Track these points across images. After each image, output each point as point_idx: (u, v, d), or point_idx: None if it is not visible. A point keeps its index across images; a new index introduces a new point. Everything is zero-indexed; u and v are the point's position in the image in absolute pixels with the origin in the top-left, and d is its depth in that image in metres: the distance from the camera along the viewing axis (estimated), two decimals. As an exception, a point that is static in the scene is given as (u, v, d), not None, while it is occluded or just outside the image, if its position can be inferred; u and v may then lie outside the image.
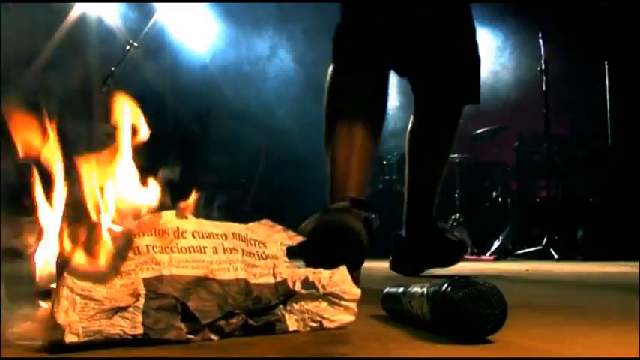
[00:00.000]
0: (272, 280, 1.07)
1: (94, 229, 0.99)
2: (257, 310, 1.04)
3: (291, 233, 1.18)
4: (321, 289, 1.10)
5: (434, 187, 2.58)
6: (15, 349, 0.89)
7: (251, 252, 1.09)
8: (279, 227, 1.18)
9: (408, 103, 2.48)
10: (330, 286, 1.11)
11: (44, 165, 1.05)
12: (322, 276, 1.12)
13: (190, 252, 1.03)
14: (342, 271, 1.15)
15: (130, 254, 0.97)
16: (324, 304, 1.11)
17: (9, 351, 0.89)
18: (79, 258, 0.94)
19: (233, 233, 1.09)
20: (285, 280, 1.08)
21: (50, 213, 1.06)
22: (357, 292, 1.14)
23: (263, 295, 1.05)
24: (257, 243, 1.11)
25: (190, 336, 0.96)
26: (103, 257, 0.95)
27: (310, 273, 1.11)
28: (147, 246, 1.00)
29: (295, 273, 1.10)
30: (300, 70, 7.34)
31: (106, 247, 0.97)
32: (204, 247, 1.04)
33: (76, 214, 1.01)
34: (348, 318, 1.12)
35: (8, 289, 1.01)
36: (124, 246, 0.97)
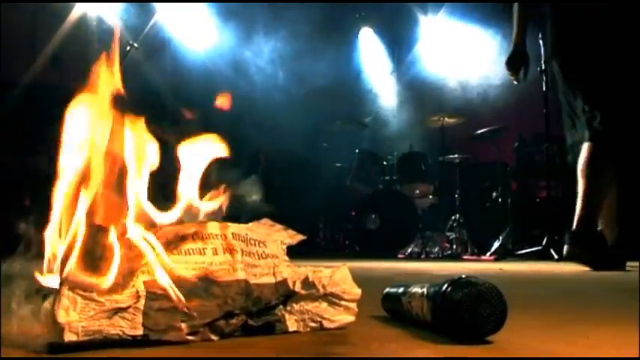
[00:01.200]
0: (272, 280, 1.07)
1: (102, 233, 0.99)
2: (257, 310, 1.04)
3: (291, 232, 1.18)
4: (321, 289, 1.10)
5: None
6: (15, 349, 0.89)
7: (251, 252, 1.09)
8: (278, 226, 1.18)
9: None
10: (331, 286, 1.11)
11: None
12: (323, 275, 1.12)
13: (190, 254, 1.03)
14: (343, 270, 1.15)
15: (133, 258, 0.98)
16: (324, 304, 1.11)
17: (9, 351, 0.89)
18: (84, 261, 0.94)
19: (233, 234, 1.09)
20: (285, 280, 1.08)
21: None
22: (357, 292, 1.13)
23: (263, 295, 1.05)
24: (257, 243, 1.11)
25: (190, 337, 0.96)
26: (108, 262, 0.96)
27: (310, 272, 1.11)
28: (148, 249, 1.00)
29: (296, 272, 1.10)
30: (300, 69, 7.34)
31: (112, 252, 0.97)
32: (203, 249, 1.04)
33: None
34: (348, 318, 1.12)
35: (9, 288, 1.01)
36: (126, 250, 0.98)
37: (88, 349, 0.88)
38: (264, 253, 1.10)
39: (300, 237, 1.18)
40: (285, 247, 1.15)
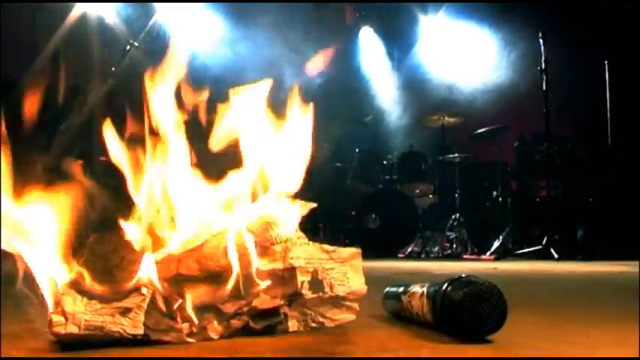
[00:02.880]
0: (280, 266, 1.06)
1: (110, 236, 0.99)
2: (259, 313, 1.03)
3: (301, 202, 1.16)
4: (327, 290, 1.08)
5: None
6: (15, 349, 0.90)
7: (262, 238, 1.07)
8: (289, 204, 1.15)
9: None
10: (337, 281, 1.10)
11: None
12: (336, 257, 1.09)
13: (193, 256, 1.03)
14: (356, 256, 1.13)
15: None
16: (328, 305, 1.10)
17: (9, 351, 0.89)
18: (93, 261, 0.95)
19: (243, 221, 1.07)
20: (294, 271, 1.06)
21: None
22: (362, 290, 1.12)
23: (265, 284, 1.03)
24: (269, 225, 1.08)
25: (190, 339, 0.96)
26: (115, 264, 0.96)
27: (321, 269, 1.09)
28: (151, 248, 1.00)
29: (307, 262, 1.07)
30: (300, 69, 7.34)
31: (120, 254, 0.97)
32: (210, 250, 1.04)
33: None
34: (349, 317, 1.12)
35: (9, 287, 1.01)
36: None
37: (89, 349, 0.88)
38: (277, 236, 1.08)
39: (311, 205, 1.16)
40: (297, 221, 1.12)
